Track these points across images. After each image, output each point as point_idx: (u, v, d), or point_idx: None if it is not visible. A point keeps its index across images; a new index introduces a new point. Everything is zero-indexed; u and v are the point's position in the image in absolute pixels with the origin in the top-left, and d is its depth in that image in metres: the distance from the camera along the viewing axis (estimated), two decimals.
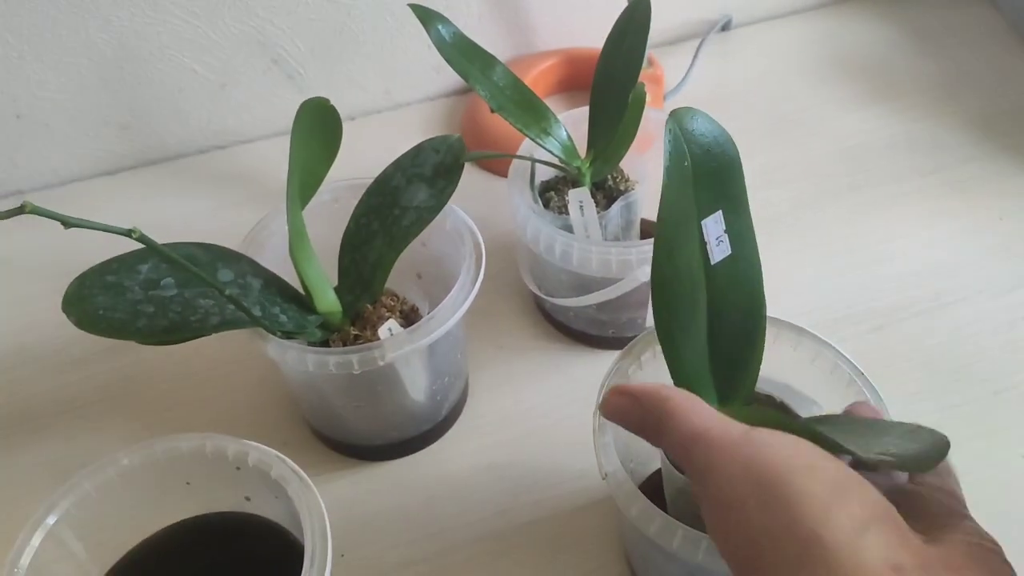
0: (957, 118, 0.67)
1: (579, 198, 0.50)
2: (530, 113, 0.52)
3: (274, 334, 0.44)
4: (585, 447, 0.41)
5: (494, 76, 0.51)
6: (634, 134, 0.51)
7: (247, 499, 0.42)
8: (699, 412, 0.28)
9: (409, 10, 0.51)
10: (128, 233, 0.35)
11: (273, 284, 0.46)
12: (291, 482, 0.39)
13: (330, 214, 0.50)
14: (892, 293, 0.56)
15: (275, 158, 0.68)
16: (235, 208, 0.65)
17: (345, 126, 0.73)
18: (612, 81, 0.51)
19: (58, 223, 0.34)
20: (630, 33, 0.51)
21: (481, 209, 0.59)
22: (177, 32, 0.62)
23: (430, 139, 0.48)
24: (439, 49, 0.50)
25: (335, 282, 0.48)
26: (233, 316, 0.43)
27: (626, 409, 0.30)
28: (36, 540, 0.37)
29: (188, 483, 0.41)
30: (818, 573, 0.22)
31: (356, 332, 0.47)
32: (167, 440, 0.40)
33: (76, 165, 0.67)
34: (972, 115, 0.67)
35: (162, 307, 0.42)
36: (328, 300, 0.46)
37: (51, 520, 0.37)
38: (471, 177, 0.66)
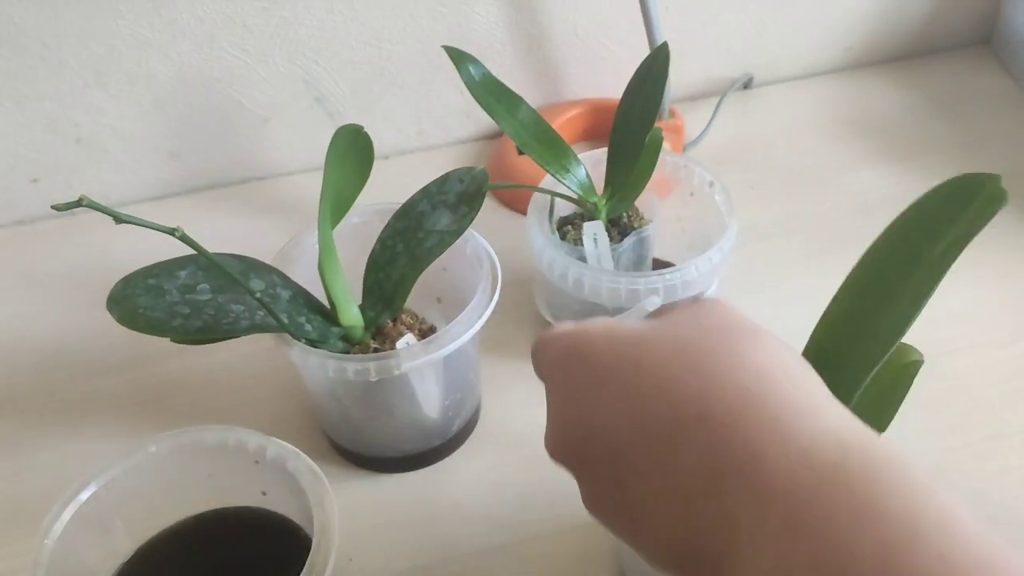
0: None
1: (593, 231, 0.53)
2: (552, 151, 0.55)
3: (299, 340, 0.46)
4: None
5: (519, 115, 0.55)
6: (650, 174, 0.54)
7: (264, 494, 0.45)
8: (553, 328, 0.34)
9: (444, 57, 0.55)
10: (172, 232, 0.39)
11: (300, 296, 0.50)
12: (305, 475, 0.41)
13: (359, 236, 0.53)
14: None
15: (312, 190, 0.71)
16: (271, 235, 0.67)
17: (379, 164, 0.77)
18: (631, 124, 0.55)
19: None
20: (649, 80, 0.55)
21: (504, 244, 0.62)
22: (229, 67, 0.67)
23: (456, 169, 0.52)
24: (469, 87, 0.54)
25: (359, 300, 0.51)
26: (262, 321, 0.46)
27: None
28: (67, 514, 0.40)
29: (210, 475, 0.44)
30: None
31: (376, 346, 0.50)
32: (193, 431, 0.43)
33: (127, 189, 0.72)
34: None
35: (197, 310, 0.45)
36: (351, 314, 0.49)
37: (83, 496, 0.40)
38: (496, 214, 0.69)
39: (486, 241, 0.52)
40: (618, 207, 0.56)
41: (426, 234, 0.50)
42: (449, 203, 0.50)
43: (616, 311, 0.52)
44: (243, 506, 0.45)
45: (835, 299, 0.37)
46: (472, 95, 0.54)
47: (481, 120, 0.75)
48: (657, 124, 0.71)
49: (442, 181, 0.52)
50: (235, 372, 0.58)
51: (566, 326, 0.33)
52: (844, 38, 0.79)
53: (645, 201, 0.57)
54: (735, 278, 0.60)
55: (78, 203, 0.36)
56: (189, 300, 0.45)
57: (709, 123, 0.74)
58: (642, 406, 0.27)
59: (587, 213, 0.56)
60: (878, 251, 0.36)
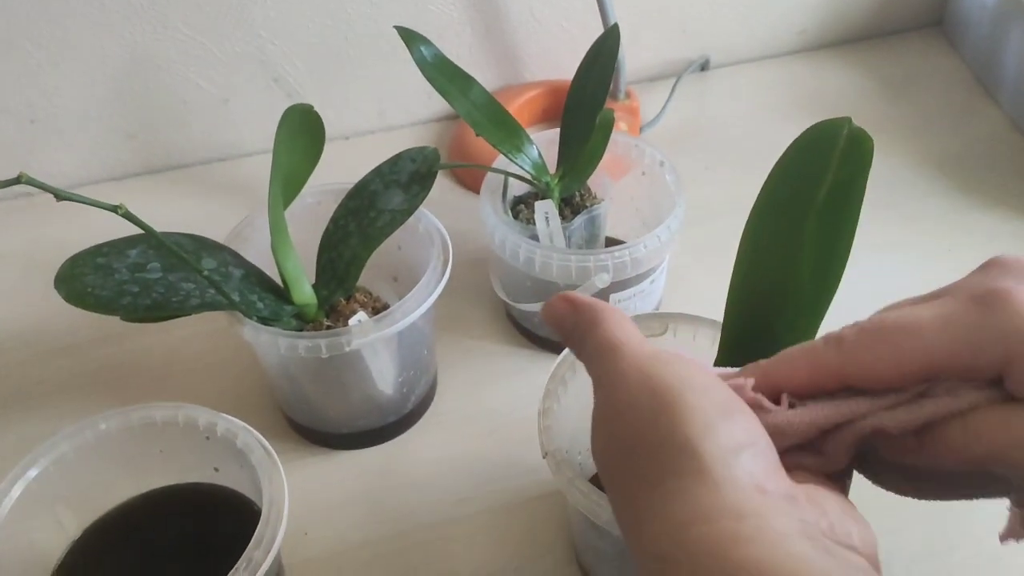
0: (916, 158, 0.70)
1: (544, 209, 0.53)
2: (504, 130, 0.55)
3: (251, 319, 0.47)
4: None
5: (471, 95, 0.55)
6: (601, 154, 0.55)
7: (216, 470, 0.45)
8: (624, 327, 0.30)
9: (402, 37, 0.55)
10: (115, 209, 0.39)
11: (253, 275, 0.50)
12: (255, 451, 0.42)
13: (312, 216, 0.53)
14: (841, 316, 0.59)
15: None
16: (230, 215, 0.67)
17: (339, 144, 0.78)
18: (582, 104, 0.55)
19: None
20: (600, 60, 0.55)
21: (461, 225, 0.63)
22: (184, 48, 0.67)
23: (408, 149, 0.52)
24: (420, 68, 0.54)
25: (313, 279, 0.51)
26: (212, 299, 0.46)
27: (563, 313, 0.32)
28: (15, 492, 0.40)
29: (161, 451, 0.44)
30: (687, 480, 0.24)
31: (329, 324, 0.50)
32: (142, 408, 0.43)
33: (84, 170, 0.71)
34: (931, 155, 0.70)
35: (146, 288, 0.45)
36: (304, 292, 0.50)
37: (31, 474, 0.40)
38: (454, 195, 0.70)
39: (438, 220, 0.53)
40: (570, 186, 0.57)
41: (378, 213, 0.50)
42: (401, 183, 0.51)
43: (568, 287, 0.53)
44: (195, 482, 0.46)
45: (737, 259, 0.38)
46: (424, 75, 0.54)
47: (441, 101, 0.75)
48: (613, 105, 0.72)
49: (394, 161, 0.52)
50: (192, 351, 0.59)
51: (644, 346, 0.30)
52: (799, 20, 0.80)
53: (598, 180, 0.58)
54: (688, 255, 0.62)
55: (17, 180, 0.36)
56: (139, 279, 0.46)
57: (665, 104, 0.75)
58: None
59: (540, 192, 0.57)
60: (763, 205, 0.37)
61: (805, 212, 0.35)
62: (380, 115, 0.75)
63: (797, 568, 0.22)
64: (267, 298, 0.49)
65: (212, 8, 0.65)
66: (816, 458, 0.28)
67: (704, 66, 0.79)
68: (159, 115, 0.70)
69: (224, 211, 0.69)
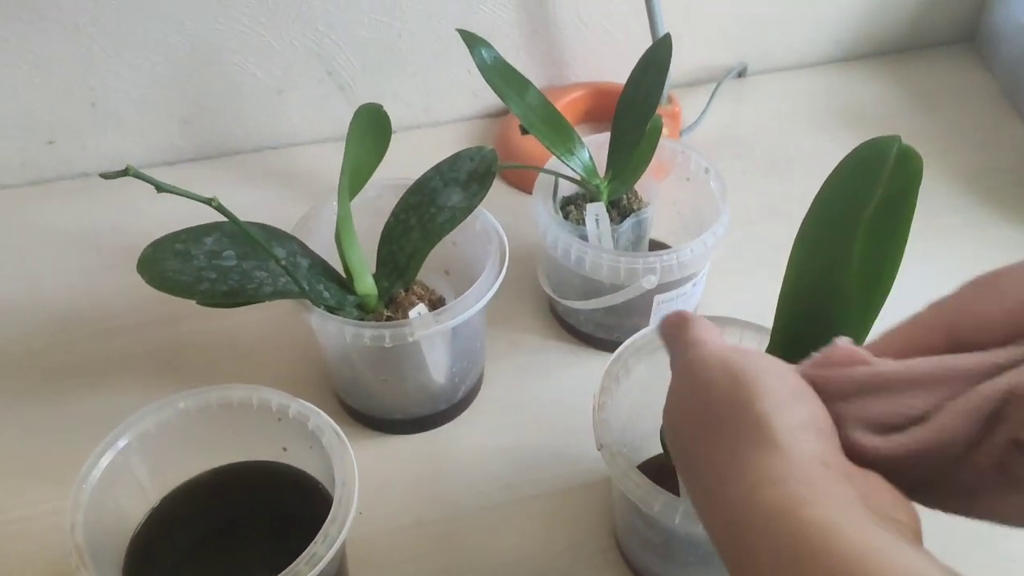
0: (947, 171, 0.72)
1: (595, 211, 0.56)
2: (557, 133, 0.58)
3: (318, 307, 0.49)
4: (583, 436, 0.47)
5: (528, 97, 0.58)
6: (649, 159, 0.58)
7: (284, 450, 0.48)
8: (710, 328, 0.34)
9: (454, 36, 0.57)
10: (208, 201, 0.41)
11: (319, 265, 0.52)
12: (326, 432, 0.44)
13: (373, 209, 0.56)
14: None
15: (323, 161, 0.74)
16: (282, 204, 0.71)
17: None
18: (633, 111, 0.57)
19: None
20: (652, 69, 0.58)
21: (508, 221, 0.65)
22: (244, 39, 0.69)
23: (467, 149, 0.55)
24: (481, 70, 0.56)
25: (374, 269, 0.54)
26: (284, 288, 0.48)
27: (673, 322, 0.35)
28: (105, 460, 0.43)
29: (234, 431, 0.47)
30: (759, 447, 0.27)
31: (389, 314, 0.53)
32: (220, 388, 0.46)
33: (140, 154, 0.74)
34: (961, 169, 0.73)
35: (223, 275, 0.48)
36: (367, 284, 0.52)
37: (121, 443, 0.43)
38: (500, 192, 0.72)
39: (496, 219, 0.55)
40: (618, 189, 0.59)
41: (438, 210, 0.52)
42: (460, 181, 0.53)
43: (615, 287, 0.55)
44: (264, 460, 0.48)
45: (787, 270, 0.40)
46: (484, 77, 0.57)
47: (486, 99, 0.78)
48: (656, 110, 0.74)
49: (453, 160, 0.54)
50: (252, 337, 0.61)
51: (718, 341, 0.33)
52: (835, 31, 0.82)
53: (643, 184, 0.60)
54: (726, 259, 0.64)
55: (124, 172, 0.38)
56: (215, 266, 0.48)
57: (705, 110, 0.77)
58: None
59: (589, 194, 0.59)
60: (814, 219, 0.39)
61: (855, 227, 0.37)
62: (426, 110, 0.77)
63: (858, 527, 0.25)
64: (332, 288, 0.51)
65: (274, 1, 0.67)
66: (909, 435, 0.28)
67: (742, 73, 0.81)
68: (215, 103, 0.72)
69: (275, 199, 0.71)
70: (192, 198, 0.41)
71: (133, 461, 0.44)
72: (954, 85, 0.82)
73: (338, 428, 0.45)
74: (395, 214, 0.54)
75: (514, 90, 0.58)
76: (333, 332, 0.49)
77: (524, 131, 0.75)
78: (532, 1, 0.73)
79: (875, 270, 0.38)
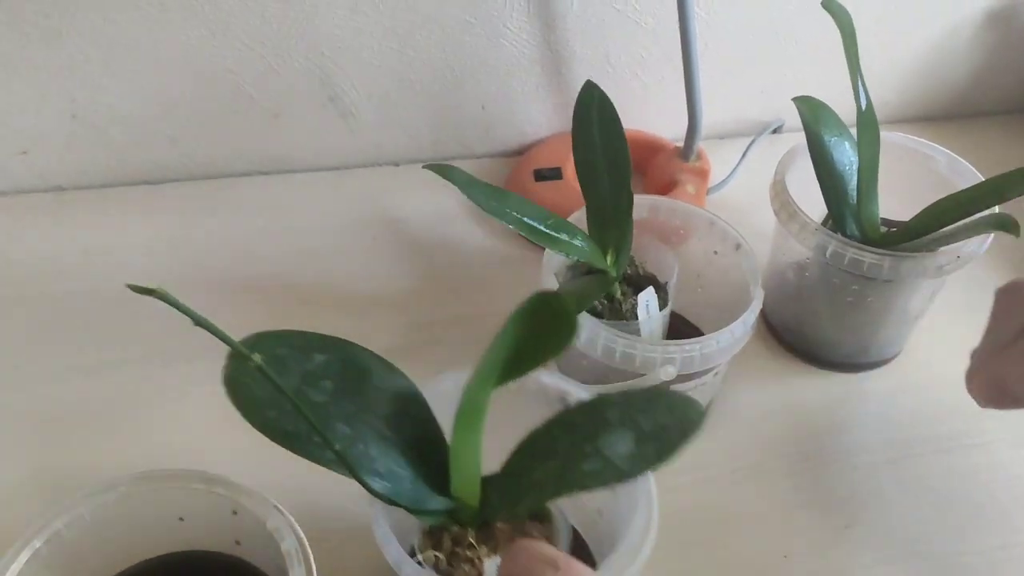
0: (1001, 258, 0.66)
1: (646, 299, 0.50)
2: (552, 231, 0.51)
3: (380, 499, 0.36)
4: None
5: (513, 207, 0.50)
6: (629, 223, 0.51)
7: (237, 543, 0.42)
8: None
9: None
10: (249, 357, 0.31)
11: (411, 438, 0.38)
12: (285, 536, 0.38)
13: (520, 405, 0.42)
14: (910, 427, 0.56)
15: (318, 191, 0.69)
16: (270, 236, 0.65)
17: (390, 171, 0.74)
18: (602, 178, 0.51)
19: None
20: (596, 126, 0.52)
21: (513, 279, 0.60)
22: (241, 57, 0.63)
23: (672, 393, 0.37)
24: (465, 192, 0.49)
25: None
26: (351, 463, 0.36)
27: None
28: (23, 557, 0.37)
29: (182, 519, 0.41)
30: None
31: (471, 541, 0.39)
32: (167, 473, 0.40)
33: (121, 170, 0.68)
34: (1017, 258, 0.67)
35: (299, 408, 0.34)
36: (471, 492, 0.38)
37: (37, 543, 0.37)
38: (504, 243, 0.66)
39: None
40: (622, 263, 0.53)
41: (592, 452, 0.36)
42: (641, 428, 0.36)
43: (628, 375, 0.49)
44: (214, 551, 0.42)
45: None
46: (470, 198, 0.49)
47: (499, 137, 0.72)
48: (683, 167, 0.68)
49: (651, 397, 0.37)
50: None
51: None
52: (882, 92, 0.76)
53: (661, 257, 0.55)
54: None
55: (150, 292, 0.31)
56: (301, 391, 0.37)
57: (736, 167, 0.71)
58: None
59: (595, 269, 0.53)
60: None
61: None
62: (434, 144, 0.72)
63: None
64: (410, 476, 0.37)
65: (278, 20, 0.62)
66: None
67: (778, 130, 0.76)
68: (206, 123, 0.67)
69: (263, 228, 0.66)
70: (231, 345, 0.33)
71: (58, 553, 0.38)
72: (1010, 156, 0.76)
73: (300, 531, 0.39)
74: (549, 425, 0.38)
75: (504, 206, 0.50)
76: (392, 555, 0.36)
77: (539, 177, 0.70)
78: (558, 38, 0.67)
79: None
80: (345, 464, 0.35)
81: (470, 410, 0.36)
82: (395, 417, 0.38)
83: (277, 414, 0.35)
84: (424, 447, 0.38)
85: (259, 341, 0.37)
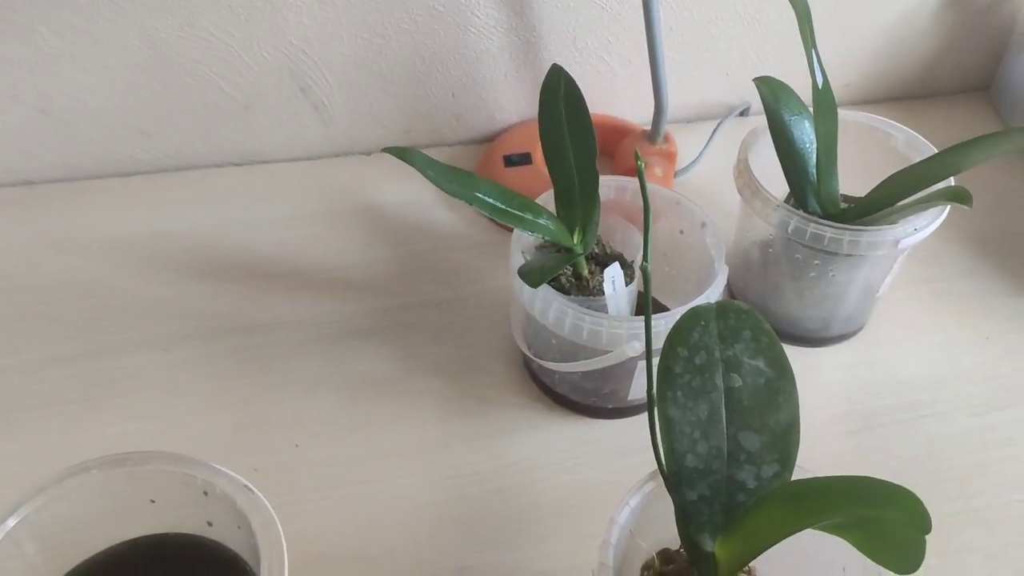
0: (958, 233, 0.68)
1: (612, 274, 0.51)
2: (517, 211, 0.51)
3: None
4: (550, 512, 0.42)
5: (482, 190, 0.51)
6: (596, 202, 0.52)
7: (209, 524, 0.42)
8: None
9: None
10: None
11: None
12: (256, 515, 0.39)
13: None
14: (871, 399, 0.57)
15: (292, 181, 0.69)
16: (242, 226, 0.66)
17: (361, 160, 0.75)
18: (568, 159, 0.52)
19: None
20: (560, 106, 0.53)
21: (485, 262, 0.60)
22: (210, 49, 0.64)
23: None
24: (429, 178, 0.50)
25: None
26: None
27: None
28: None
29: (152, 501, 0.42)
30: None
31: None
32: (138, 455, 0.40)
33: (92, 164, 0.68)
34: (973, 233, 0.68)
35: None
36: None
37: (11, 523, 0.38)
38: (476, 228, 0.67)
39: None
40: (589, 242, 0.54)
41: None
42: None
43: (594, 352, 0.50)
44: (186, 533, 0.43)
45: None
46: (434, 184, 0.50)
47: (470, 125, 0.73)
48: (650, 149, 0.69)
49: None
50: None
51: None
52: (844, 74, 0.77)
53: (627, 235, 0.55)
54: None
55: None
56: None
57: (703, 149, 0.72)
58: None
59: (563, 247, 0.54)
60: None
61: None
62: (406, 133, 0.72)
63: None
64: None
65: (244, 10, 0.62)
66: None
67: (744, 112, 0.77)
68: (176, 115, 0.67)
69: (236, 219, 0.66)
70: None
71: (28, 535, 0.39)
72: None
73: (270, 509, 0.39)
74: None
75: (467, 187, 0.51)
76: None
77: (509, 162, 0.70)
78: (525, 24, 0.68)
79: None
80: None
81: None
82: None
83: None
84: None
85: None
